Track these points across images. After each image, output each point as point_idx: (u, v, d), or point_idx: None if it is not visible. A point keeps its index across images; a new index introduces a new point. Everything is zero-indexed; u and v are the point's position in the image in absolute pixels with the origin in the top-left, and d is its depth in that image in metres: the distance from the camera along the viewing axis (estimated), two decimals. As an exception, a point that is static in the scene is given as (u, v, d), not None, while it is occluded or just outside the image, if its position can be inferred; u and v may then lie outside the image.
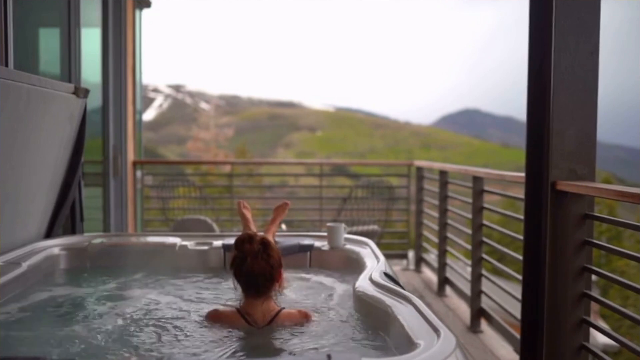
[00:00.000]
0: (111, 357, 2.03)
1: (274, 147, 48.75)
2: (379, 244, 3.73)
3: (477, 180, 4.31)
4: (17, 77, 2.65)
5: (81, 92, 3.29)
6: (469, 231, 4.45)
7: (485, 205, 4.31)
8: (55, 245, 3.31)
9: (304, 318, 2.31)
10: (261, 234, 2.49)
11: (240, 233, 3.42)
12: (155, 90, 52.85)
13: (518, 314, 2.85)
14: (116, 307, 2.60)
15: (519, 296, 2.84)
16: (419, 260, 6.26)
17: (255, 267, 2.23)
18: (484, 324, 4.28)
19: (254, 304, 2.26)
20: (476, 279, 4.27)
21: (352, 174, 17.42)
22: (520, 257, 2.85)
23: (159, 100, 52.83)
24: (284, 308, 2.32)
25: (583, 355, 2.56)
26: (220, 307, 2.41)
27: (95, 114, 5.56)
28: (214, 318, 2.31)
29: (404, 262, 6.57)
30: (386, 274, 2.60)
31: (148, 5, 6.59)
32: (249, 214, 3.37)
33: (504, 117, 65.27)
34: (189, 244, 3.43)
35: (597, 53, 2.60)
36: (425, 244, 6.23)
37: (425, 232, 6.17)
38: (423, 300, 2.38)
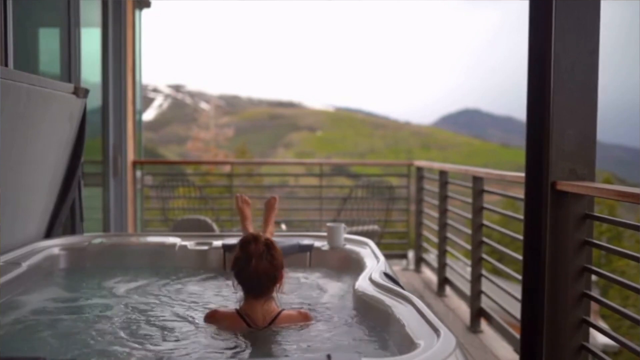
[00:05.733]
0: (111, 357, 2.03)
1: (274, 147, 48.74)
2: (379, 244, 3.73)
3: (477, 180, 4.31)
4: (17, 77, 2.65)
5: (81, 92, 3.29)
6: (469, 231, 4.45)
7: (485, 205, 4.31)
8: (55, 245, 3.31)
9: (304, 319, 2.30)
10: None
11: (240, 233, 3.44)
12: (155, 90, 52.83)
13: (518, 314, 2.85)
14: (116, 307, 2.60)
15: (519, 296, 2.84)
16: (419, 261, 6.26)
17: (259, 268, 2.23)
18: (484, 324, 4.28)
19: (255, 305, 2.26)
20: (476, 279, 4.27)
21: (352, 174, 17.42)
22: (520, 257, 2.85)
23: (159, 100, 52.81)
24: (284, 309, 2.31)
25: (583, 355, 2.56)
26: (219, 308, 2.41)
27: (95, 114, 5.56)
28: (213, 319, 2.30)
29: (404, 262, 6.57)
30: (386, 274, 2.60)
31: (148, 5, 6.59)
32: (248, 211, 3.32)
33: (504, 117, 65.28)
34: (189, 244, 3.43)
35: (597, 53, 2.59)
36: (425, 244, 6.22)
37: (425, 232, 6.17)
38: (423, 300, 2.38)
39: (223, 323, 2.26)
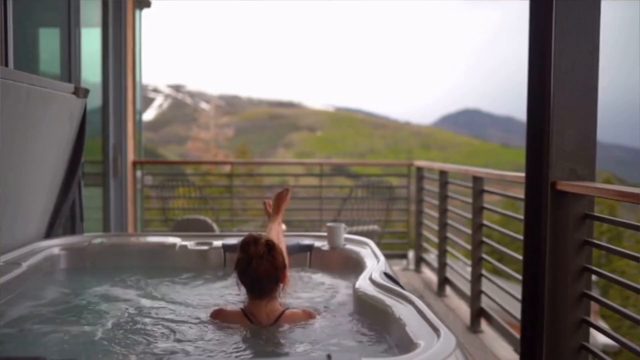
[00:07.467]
0: (111, 358, 2.03)
1: (274, 147, 48.75)
2: (379, 244, 3.73)
3: (477, 180, 4.31)
4: (17, 77, 2.65)
5: (81, 92, 3.29)
6: (469, 231, 4.45)
7: (485, 205, 4.31)
8: (55, 245, 3.31)
9: (308, 317, 2.32)
10: (264, 234, 2.47)
11: (240, 233, 3.43)
12: (155, 90, 52.84)
13: (518, 314, 2.85)
14: (116, 307, 2.60)
15: (519, 296, 2.84)
16: (419, 260, 6.26)
17: (260, 269, 2.24)
18: (484, 324, 4.28)
19: (259, 305, 2.28)
20: (476, 279, 4.27)
21: (352, 174, 17.43)
22: (520, 257, 2.85)
23: (159, 100, 52.83)
24: (288, 308, 2.33)
25: (583, 355, 2.56)
26: (225, 307, 2.43)
27: (95, 114, 5.56)
28: (219, 317, 2.32)
29: (404, 262, 6.57)
30: (386, 274, 2.60)
31: (148, 5, 6.59)
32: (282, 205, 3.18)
33: (504, 117, 65.31)
34: (189, 244, 3.43)
35: (597, 53, 2.59)
36: (425, 244, 6.22)
37: (425, 232, 6.17)
38: (423, 300, 2.38)
39: (228, 321, 2.28)
